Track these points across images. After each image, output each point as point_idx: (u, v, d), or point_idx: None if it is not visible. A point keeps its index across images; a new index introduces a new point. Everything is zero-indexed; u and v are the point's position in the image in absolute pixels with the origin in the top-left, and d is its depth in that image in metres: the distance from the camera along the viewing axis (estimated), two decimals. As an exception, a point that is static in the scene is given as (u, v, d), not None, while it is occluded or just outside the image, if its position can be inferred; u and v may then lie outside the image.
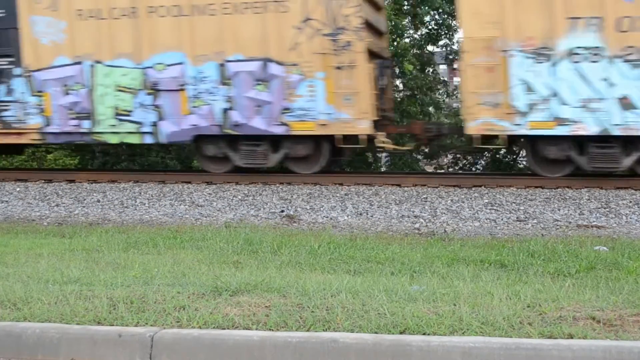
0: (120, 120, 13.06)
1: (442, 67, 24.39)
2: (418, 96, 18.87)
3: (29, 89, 13.38)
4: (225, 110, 12.58)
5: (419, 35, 20.12)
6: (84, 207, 11.73)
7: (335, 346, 4.32)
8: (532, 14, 11.36)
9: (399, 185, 12.06)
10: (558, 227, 9.84)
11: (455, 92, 21.59)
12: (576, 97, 11.32)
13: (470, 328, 4.45)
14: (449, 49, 20.71)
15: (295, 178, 12.66)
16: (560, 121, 11.41)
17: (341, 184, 12.21)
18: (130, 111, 13.00)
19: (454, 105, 21.06)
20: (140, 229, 9.84)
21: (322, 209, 11.02)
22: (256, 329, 4.57)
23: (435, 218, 10.43)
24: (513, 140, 12.61)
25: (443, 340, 4.29)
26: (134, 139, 13.31)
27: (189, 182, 12.74)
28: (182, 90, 12.72)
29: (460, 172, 18.58)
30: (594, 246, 8.13)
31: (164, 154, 19.21)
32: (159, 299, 5.17)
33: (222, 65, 12.52)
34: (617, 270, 6.82)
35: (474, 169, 19.39)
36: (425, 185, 12.00)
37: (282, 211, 11.01)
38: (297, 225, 10.30)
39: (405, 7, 19.48)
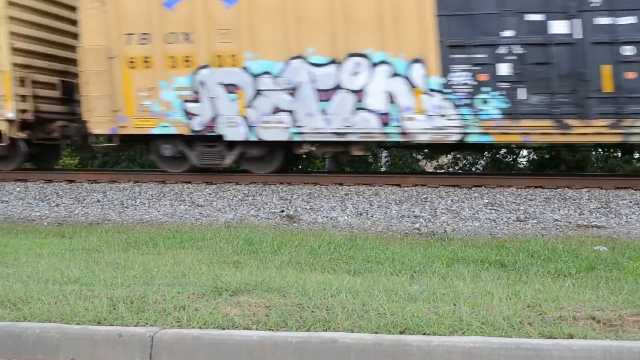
0: None
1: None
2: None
3: None
4: None
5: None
6: (84, 207, 11.73)
7: (335, 346, 4.32)
8: None
9: (399, 185, 12.06)
10: (558, 227, 9.84)
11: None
12: None
13: (470, 328, 4.46)
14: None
15: (295, 178, 12.67)
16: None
17: (341, 184, 12.21)
18: None
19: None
20: (140, 229, 9.84)
21: (322, 209, 11.02)
22: (256, 329, 4.57)
23: (435, 218, 10.43)
24: None
25: (443, 340, 4.29)
26: None
27: (189, 182, 12.74)
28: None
29: (460, 172, 18.57)
30: (594, 246, 8.13)
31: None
32: (159, 299, 5.17)
33: None
34: (617, 270, 6.82)
35: (474, 169, 19.40)
36: (425, 185, 11.99)
37: (282, 211, 11.01)
38: (297, 225, 10.30)
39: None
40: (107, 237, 8.91)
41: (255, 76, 12.20)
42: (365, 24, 11.75)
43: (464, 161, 19.61)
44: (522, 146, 16.99)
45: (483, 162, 19.28)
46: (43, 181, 13.24)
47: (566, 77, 11.22)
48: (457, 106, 11.60)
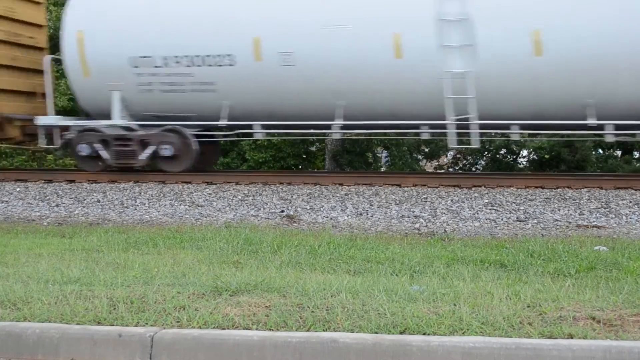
0: None
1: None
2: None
3: None
4: None
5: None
6: (84, 207, 11.73)
7: (335, 346, 4.32)
8: None
9: (399, 185, 12.06)
10: (558, 227, 9.84)
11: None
12: None
13: (470, 328, 4.46)
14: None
15: (295, 178, 12.67)
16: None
17: (341, 184, 12.21)
18: None
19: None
20: (140, 229, 9.84)
21: (322, 209, 11.02)
22: (256, 329, 4.58)
23: (435, 218, 10.43)
24: None
25: (443, 340, 4.30)
26: None
27: (189, 182, 12.74)
28: None
29: (460, 172, 18.58)
30: (594, 246, 8.13)
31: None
32: (159, 299, 5.17)
33: None
34: (617, 270, 6.82)
35: (474, 169, 19.41)
36: (425, 185, 11.99)
37: (282, 211, 11.01)
38: (297, 225, 10.30)
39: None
40: (107, 237, 8.91)
41: None
42: None
43: (464, 161, 19.63)
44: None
45: (483, 162, 19.31)
46: (43, 181, 13.24)
47: None
48: None
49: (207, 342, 4.47)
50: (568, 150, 17.00)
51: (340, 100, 12.20)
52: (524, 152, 18.83)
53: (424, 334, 4.42)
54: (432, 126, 12.15)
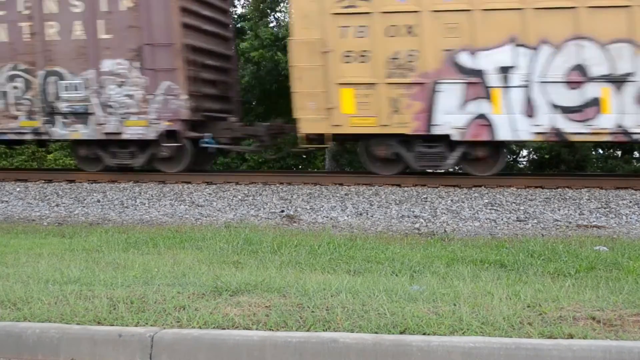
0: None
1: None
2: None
3: None
4: None
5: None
6: (84, 207, 11.73)
7: (335, 346, 4.32)
8: None
9: (399, 185, 12.06)
10: (558, 227, 9.84)
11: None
12: None
13: (470, 328, 4.46)
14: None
15: (295, 178, 12.67)
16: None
17: (341, 184, 12.21)
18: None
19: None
20: (140, 229, 9.84)
21: (322, 209, 11.02)
22: (256, 329, 4.57)
23: (435, 218, 10.43)
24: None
25: (443, 340, 4.29)
26: None
27: (189, 182, 12.74)
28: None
29: (460, 172, 18.57)
30: (594, 246, 8.13)
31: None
32: (159, 299, 5.17)
33: None
34: (617, 270, 6.83)
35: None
36: (425, 185, 12.00)
37: (282, 211, 11.01)
38: (297, 225, 10.30)
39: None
40: (107, 237, 8.91)
41: None
42: None
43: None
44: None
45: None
46: (43, 181, 13.25)
47: None
48: None
49: (207, 342, 4.47)
50: (568, 150, 16.98)
51: None
52: (524, 152, 18.80)
53: (424, 334, 4.42)
54: None
